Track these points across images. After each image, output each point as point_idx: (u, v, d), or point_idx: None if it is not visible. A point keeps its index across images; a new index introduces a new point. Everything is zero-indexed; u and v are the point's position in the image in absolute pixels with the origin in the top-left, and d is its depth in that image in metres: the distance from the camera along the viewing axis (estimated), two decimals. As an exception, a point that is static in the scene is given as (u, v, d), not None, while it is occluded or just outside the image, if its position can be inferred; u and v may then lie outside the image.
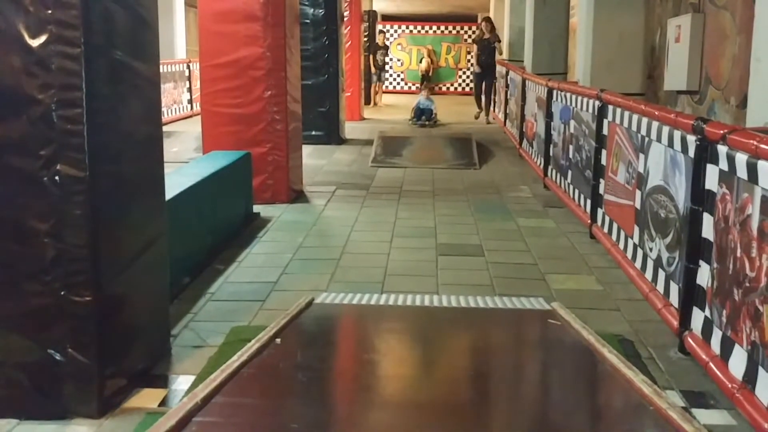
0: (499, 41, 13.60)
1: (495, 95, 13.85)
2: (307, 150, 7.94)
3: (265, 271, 4.58)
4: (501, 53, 13.71)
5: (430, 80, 22.35)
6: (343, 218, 6.10)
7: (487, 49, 13.32)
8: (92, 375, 2.79)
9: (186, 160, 7.13)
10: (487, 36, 13.32)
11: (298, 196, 6.81)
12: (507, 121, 11.83)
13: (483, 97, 13.74)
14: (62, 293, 2.74)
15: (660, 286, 3.85)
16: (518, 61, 12.75)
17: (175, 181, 4.40)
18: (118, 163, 2.93)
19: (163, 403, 2.88)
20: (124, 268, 2.97)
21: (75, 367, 2.76)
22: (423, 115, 12.83)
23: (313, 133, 10.03)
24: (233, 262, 4.75)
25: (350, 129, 11.75)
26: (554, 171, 7.22)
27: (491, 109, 13.91)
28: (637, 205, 4.37)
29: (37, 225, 2.71)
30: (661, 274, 3.84)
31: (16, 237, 2.72)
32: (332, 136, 10.68)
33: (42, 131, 2.67)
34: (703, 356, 3.12)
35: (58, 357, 2.75)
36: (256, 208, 6.14)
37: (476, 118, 13.87)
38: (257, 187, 6.27)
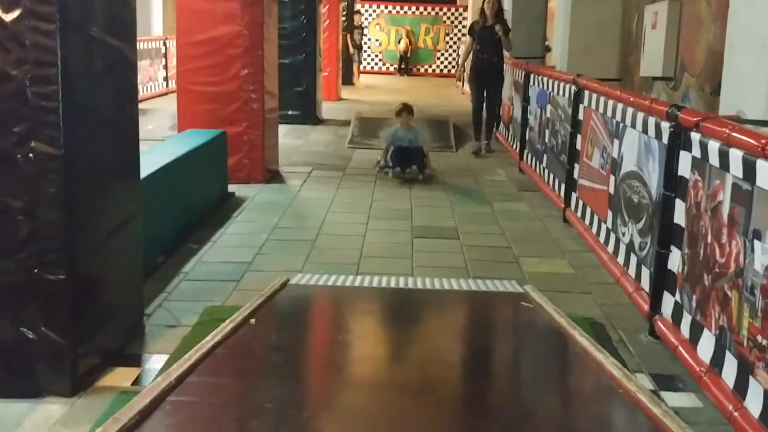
0: (507, 30, 8.32)
1: (501, 109, 9.08)
2: (283, 130, 7.90)
3: (240, 252, 4.57)
4: (509, 49, 8.43)
5: (408, 61, 22.30)
6: (319, 199, 6.09)
7: (488, 41, 8.25)
8: (65, 353, 2.77)
9: (161, 138, 7.07)
10: (490, 23, 8.21)
11: (273, 177, 6.79)
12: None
13: (484, 117, 8.61)
14: (35, 271, 2.72)
15: (631, 271, 3.91)
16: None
17: (150, 160, 4.37)
18: (94, 142, 2.91)
19: (137, 382, 2.87)
20: (98, 247, 2.95)
21: (48, 345, 2.74)
22: (405, 160, 7.00)
23: (290, 112, 9.97)
24: (208, 242, 4.73)
25: (327, 109, 11.70)
26: (530, 155, 7.26)
27: (494, 129, 9.12)
28: (611, 190, 4.42)
29: (10, 202, 2.68)
30: (633, 259, 3.90)
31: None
32: (309, 116, 10.63)
33: (16, 108, 2.64)
34: (673, 340, 3.18)
35: (30, 335, 2.73)
36: (231, 188, 6.12)
37: (475, 154, 8.46)
38: (232, 167, 6.24)
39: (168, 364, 2.88)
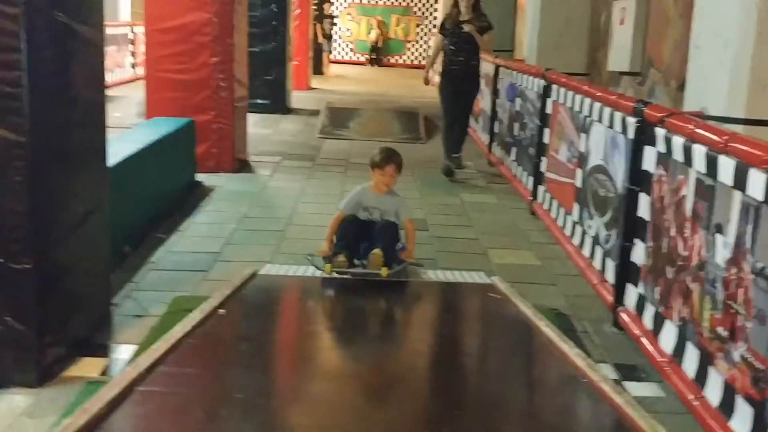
0: (486, 28, 6.76)
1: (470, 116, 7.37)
2: (252, 119, 7.85)
3: (208, 241, 4.55)
4: (481, 47, 6.76)
5: (379, 51, 22.26)
6: (288, 189, 6.08)
7: (464, 40, 6.70)
8: (31, 343, 2.75)
9: (128, 126, 6.99)
10: (464, 18, 6.70)
11: (242, 166, 6.75)
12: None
13: (456, 130, 6.89)
14: (0, 261, 2.69)
15: (597, 263, 3.97)
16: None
17: (118, 148, 4.32)
18: (60, 129, 2.87)
19: (105, 372, 2.86)
20: (65, 236, 2.92)
21: (13, 335, 2.71)
22: (360, 239, 3.95)
23: (259, 101, 9.90)
24: (175, 232, 4.70)
25: (297, 98, 11.64)
26: (499, 147, 7.31)
27: (462, 142, 7.08)
28: (578, 183, 4.47)
29: (-26, 190, 2.64)
30: (598, 251, 3.96)
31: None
32: (278, 105, 10.57)
33: (-21, 94, 2.59)
34: (636, 331, 3.24)
35: (-6, 325, 2.70)
36: (199, 177, 6.07)
37: (448, 174, 6.75)
38: (201, 156, 6.19)
39: (137, 354, 2.87)
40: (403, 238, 3.98)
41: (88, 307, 3.15)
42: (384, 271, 3.67)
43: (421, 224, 5.16)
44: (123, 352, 3.01)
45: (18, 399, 2.64)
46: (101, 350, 3.04)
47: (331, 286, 3.80)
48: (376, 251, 3.71)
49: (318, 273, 3.79)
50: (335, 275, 3.72)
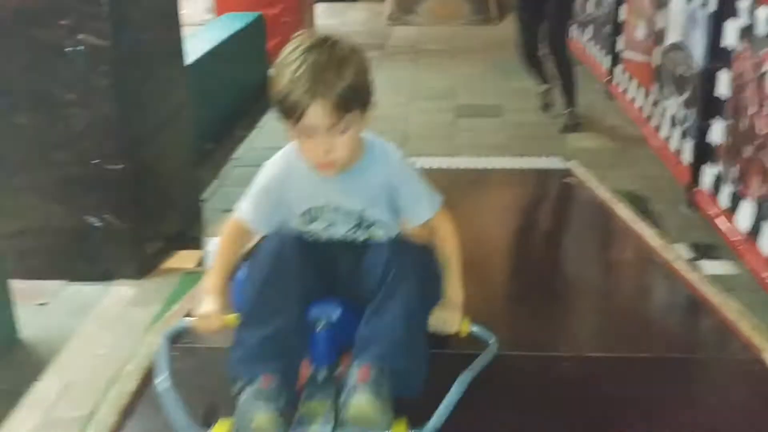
0: None
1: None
2: (319, 9, 7.79)
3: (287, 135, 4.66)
4: None
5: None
6: (359, 80, 6.08)
7: None
8: (130, 239, 2.95)
9: (198, 23, 7.05)
10: None
11: (313, 59, 6.75)
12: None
13: (538, 50, 4.78)
14: (94, 162, 2.85)
15: (673, 144, 3.92)
16: None
17: (193, 46, 4.40)
18: (140, 31, 2.96)
19: (200, 263, 3.05)
20: (151, 136, 3.07)
21: (113, 231, 2.92)
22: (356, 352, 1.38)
23: (325, -10, 9.76)
24: (254, 128, 4.82)
25: (363, -15, 11.41)
26: (573, 27, 7.08)
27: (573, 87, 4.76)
28: (655, 62, 4.35)
29: (64, 95, 2.77)
30: (676, 132, 3.90)
31: (44, 108, 2.79)
32: (345, -7, 10.39)
33: (62, 1, 2.68)
34: (712, 211, 3.23)
35: (96, 223, 2.90)
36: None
37: (544, 108, 5.04)
38: (271, 51, 6.22)
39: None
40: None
41: (179, 203, 3.33)
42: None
43: (495, 110, 5.13)
44: (215, 244, 3.19)
45: (124, 290, 2.87)
46: (195, 243, 3.23)
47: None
48: (366, 400, 1.28)
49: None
50: None
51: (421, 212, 1.58)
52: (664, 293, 2.67)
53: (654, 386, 1.91)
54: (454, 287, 1.59)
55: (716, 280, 2.63)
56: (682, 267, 2.58)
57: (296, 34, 1.43)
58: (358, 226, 1.56)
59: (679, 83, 3.87)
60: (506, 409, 1.64)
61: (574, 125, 4.61)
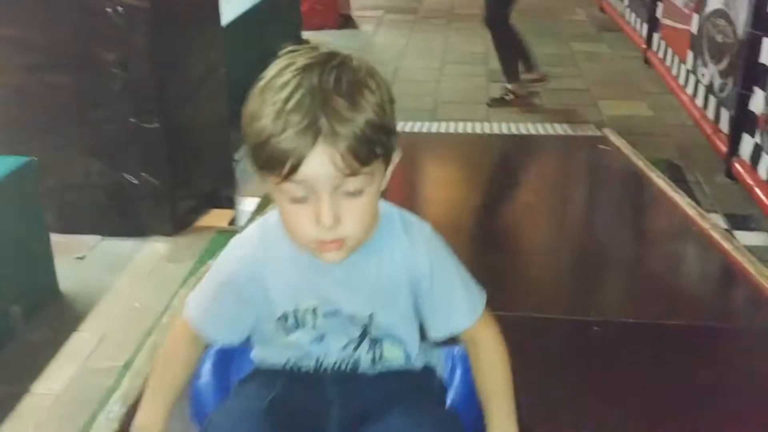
0: None
1: None
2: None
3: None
4: None
5: None
6: (392, 44, 6.05)
7: None
8: (165, 196, 2.98)
9: (233, -15, 7.03)
10: None
11: (346, 22, 6.73)
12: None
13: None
14: (132, 120, 2.88)
15: (710, 113, 3.85)
16: None
17: (227, 8, 4.40)
18: (177, -8, 2.97)
19: (232, 222, 3.09)
20: (187, 96, 3.09)
21: (148, 189, 2.95)
22: None
23: (360, -46, 9.66)
24: (286, 90, 4.81)
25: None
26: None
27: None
28: (694, 29, 4.26)
29: (104, 55, 2.79)
30: (712, 101, 3.83)
31: (84, 67, 2.82)
32: (379, -44, 10.27)
33: (101, -38, 2.70)
34: (750, 181, 3.18)
35: (133, 180, 2.94)
36: (305, 35, 6.12)
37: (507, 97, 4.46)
38: (306, 14, 6.20)
39: (261, 206, 3.07)
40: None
41: (212, 162, 3.35)
42: None
43: (528, 76, 5.07)
44: (247, 204, 3.23)
45: (158, 246, 2.92)
46: (228, 202, 3.26)
47: (437, 142, 3.86)
48: None
49: (425, 128, 3.83)
50: None
51: (457, 318, 1.08)
52: (698, 262, 2.66)
53: (685, 353, 1.91)
54: (504, 427, 1.07)
55: (752, 250, 2.60)
56: (717, 236, 2.56)
57: (285, 49, 1.02)
58: (362, 339, 1.08)
59: (719, 51, 3.80)
60: (535, 371, 1.66)
61: (500, 100, 4.46)
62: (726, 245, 2.49)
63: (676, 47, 4.67)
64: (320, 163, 0.90)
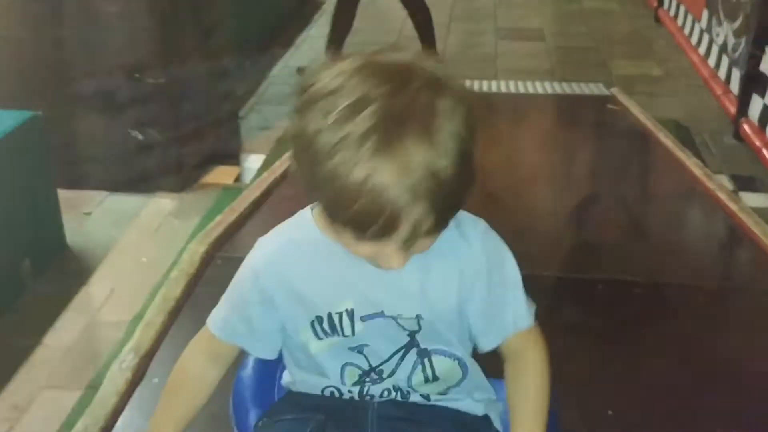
0: None
1: None
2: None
3: (323, 55, 4.62)
4: None
5: None
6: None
7: None
8: (171, 153, 2.98)
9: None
10: None
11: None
12: None
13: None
14: (136, 76, 2.86)
15: (721, 73, 3.81)
16: None
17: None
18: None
19: (238, 179, 3.09)
20: (192, 51, 3.06)
21: (155, 145, 2.94)
22: None
23: None
24: (291, 46, 4.78)
25: None
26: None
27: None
28: (708, -13, 4.20)
29: (107, 8, 2.76)
30: (725, 61, 3.79)
31: (87, 21, 2.78)
32: None
33: None
34: (757, 143, 3.17)
35: (139, 136, 2.93)
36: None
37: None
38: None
39: (267, 162, 3.07)
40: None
41: (218, 119, 3.34)
42: None
43: (537, 34, 5.02)
44: (253, 161, 3.23)
45: (164, 202, 2.93)
46: (233, 160, 3.26)
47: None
48: None
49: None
50: None
51: (514, 322, 0.95)
52: (704, 222, 2.66)
53: (689, 312, 1.92)
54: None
55: (758, 212, 2.60)
56: (723, 196, 2.56)
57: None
58: (409, 347, 0.93)
59: (732, 10, 3.74)
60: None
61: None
62: (732, 206, 2.48)
63: (690, 5, 4.60)
64: (415, 222, 0.76)
